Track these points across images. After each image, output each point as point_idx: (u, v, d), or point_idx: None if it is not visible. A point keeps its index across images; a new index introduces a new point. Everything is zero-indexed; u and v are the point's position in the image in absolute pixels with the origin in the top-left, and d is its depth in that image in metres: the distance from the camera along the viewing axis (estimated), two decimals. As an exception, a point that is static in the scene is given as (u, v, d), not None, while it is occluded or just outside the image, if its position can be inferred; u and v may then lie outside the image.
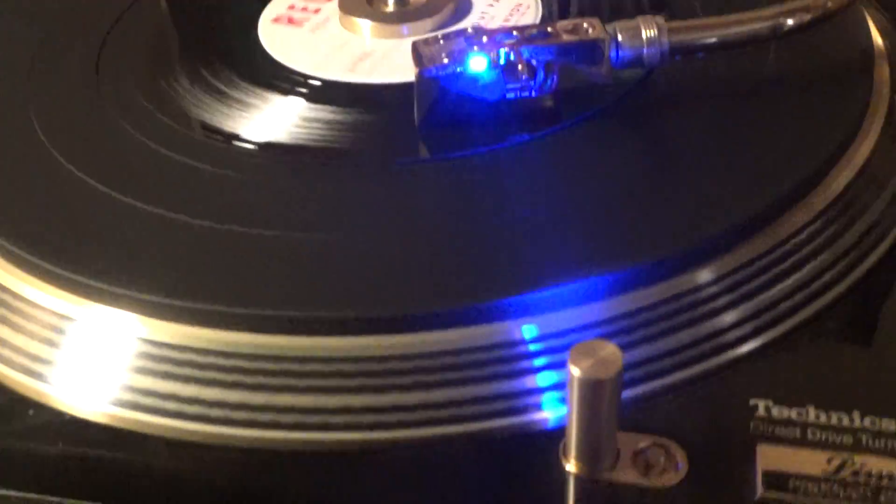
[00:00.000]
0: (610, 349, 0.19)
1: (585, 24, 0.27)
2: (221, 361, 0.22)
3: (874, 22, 0.32)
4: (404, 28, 0.32)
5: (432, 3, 0.32)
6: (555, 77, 0.27)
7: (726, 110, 0.28)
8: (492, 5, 0.33)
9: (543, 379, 0.22)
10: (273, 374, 0.22)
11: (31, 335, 0.24)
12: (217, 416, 0.22)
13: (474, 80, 0.27)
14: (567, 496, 0.20)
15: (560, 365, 0.21)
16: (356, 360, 0.22)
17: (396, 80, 0.30)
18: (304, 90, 0.30)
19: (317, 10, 0.34)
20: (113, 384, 0.23)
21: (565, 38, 0.27)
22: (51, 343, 0.24)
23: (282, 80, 0.31)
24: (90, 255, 0.24)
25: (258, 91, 0.31)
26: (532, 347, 0.22)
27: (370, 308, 0.22)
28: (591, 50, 0.27)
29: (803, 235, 0.25)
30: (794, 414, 0.21)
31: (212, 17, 0.36)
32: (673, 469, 0.20)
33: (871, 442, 0.20)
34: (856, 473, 0.19)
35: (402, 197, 0.26)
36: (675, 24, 0.27)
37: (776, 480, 0.19)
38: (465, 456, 0.21)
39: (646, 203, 0.25)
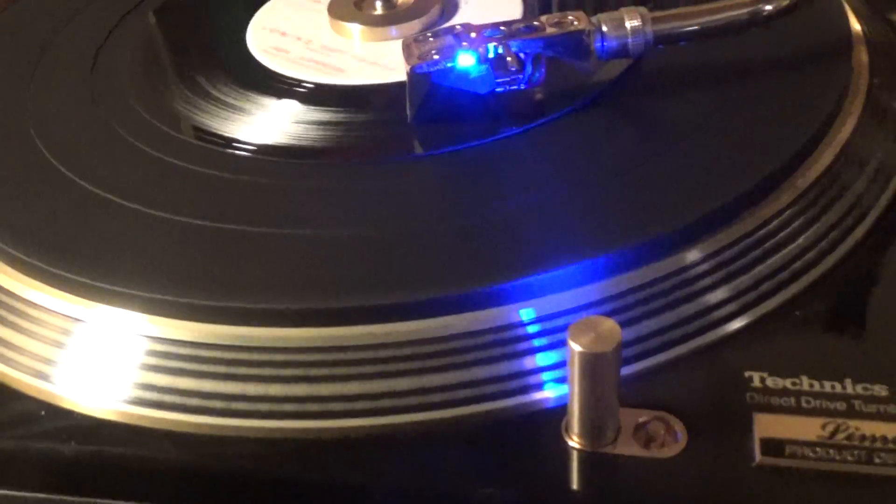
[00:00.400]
0: (608, 324, 0.20)
1: (571, 17, 0.28)
2: (225, 355, 0.23)
3: (851, 7, 0.33)
4: (393, 30, 0.32)
5: (419, 5, 0.33)
6: (543, 69, 0.28)
7: (710, 97, 0.28)
8: (477, 5, 0.34)
9: (544, 359, 0.22)
10: (279, 364, 0.23)
11: (40, 339, 0.25)
12: (224, 409, 0.23)
13: (464, 74, 0.27)
14: (571, 472, 0.21)
15: (559, 345, 0.22)
16: (363, 347, 0.22)
17: (389, 81, 0.31)
18: (297, 93, 0.31)
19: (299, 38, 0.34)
20: (120, 382, 0.23)
21: (551, 30, 0.27)
22: (59, 345, 0.24)
23: (275, 84, 0.32)
24: (94, 258, 0.25)
25: (251, 95, 0.31)
26: (531, 329, 0.23)
27: (376, 296, 0.23)
28: (577, 42, 0.27)
29: (789, 213, 0.25)
30: (788, 383, 0.21)
31: (201, 24, 0.36)
32: (673, 441, 0.21)
33: (863, 407, 0.21)
34: (850, 437, 0.20)
35: (399, 191, 0.26)
36: (658, 13, 0.28)
37: (773, 447, 0.20)
38: (472, 437, 0.22)
39: (636, 188, 0.25)
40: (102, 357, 0.24)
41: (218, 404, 0.23)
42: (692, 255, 0.24)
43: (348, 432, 0.22)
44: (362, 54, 0.32)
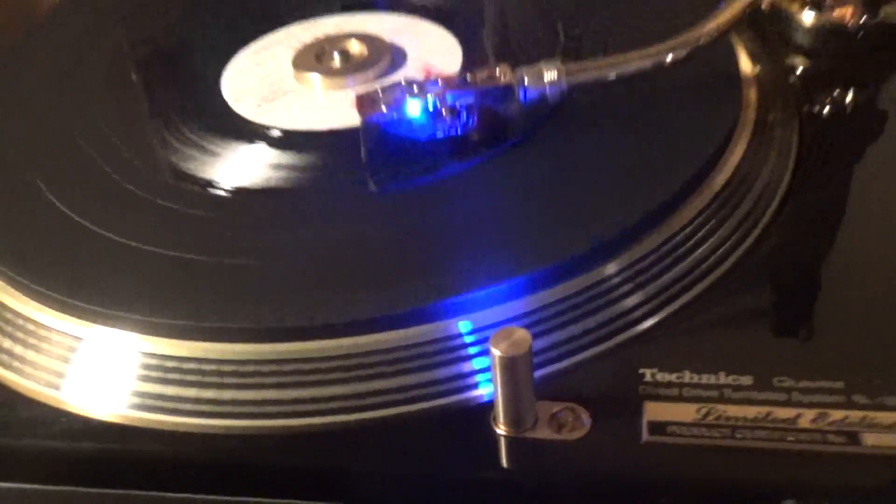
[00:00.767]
0: (521, 333, 0.24)
1: (498, 72, 0.33)
2: (206, 367, 0.28)
3: (747, 50, 0.38)
4: (349, 80, 0.37)
5: (372, 58, 0.38)
6: (475, 117, 0.32)
7: (618, 131, 0.33)
8: (421, 57, 0.39)
9: (478, 363, 0.27)
10: (253, 374, 0.27)
11: (50, 354, 0.29)
12: (205, 411, 0.27)
13: (409, 123, 0.32)
14: (499, 453, 0.25)
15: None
16: (324, 358, 0.27)
17: (345, 125, 0.35)
18: (265, 138, 0.36)
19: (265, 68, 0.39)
20: (116, 390, 0.28)
21: (481, 84, 0.32)
22: (65, 360, 0.29)
23: (244, 130, 0.36)
24: (92, 286, 0.29)
25: (224, 141, 0.36)
26: (467, 339, 0.27)
27: (336, 315, 0.27)
28: (504, 93, 0.32)
29: (690, 229, 0.30)
30: (673, 377, 0.26)
31: (179, 73, 0.41)
32: (580, 426, 0.25)
33: (731, 394, 0.26)
34: (718, 418, 0.25)
35: (353, 224, 0.31)
36: (574, 66, 0.33)
37: (657, 428, 0.25)
38: (420, 429, 0.26)
39: (555, 213, 0.30)
40: (102, 369, 0.28)
41: (202, 408, 0.27)
42: (607, 269, 0.29)
43: (316, 427, 0.27)
44: (322, 102, 0.37)
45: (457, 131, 0.33)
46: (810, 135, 0.35)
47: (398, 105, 0.32)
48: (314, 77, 0.38)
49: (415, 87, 0.32)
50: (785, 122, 0.35)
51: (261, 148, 0.35)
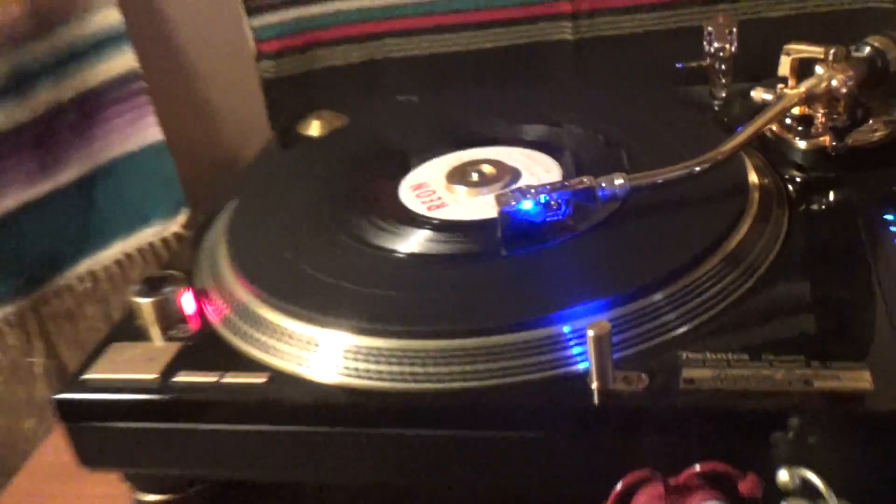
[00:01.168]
0: (604, 323, 0.41)
1: (585, 180, 0.51)
2: (396, 354, 0.45)
3: (753, 165, 0.55)
4: (484, 189, 0.56)
5: (499, 175, 0.56)
6: (570, 208, 0.50)
7: (665, 218, 0.51)
8: (532, 173, 0.57)
9: (577, 350, 0.44)
10: (434, 358, 0.45)
11: (299, 347, 0.47)
12: (400, 378, 0.44)
13: (527, 212, 0.50)
14: (594, 400, 0.42)
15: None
16: (483, 347, 0.44)
17: (480, 218, 0.54)
18: (429, 224, 0.54)
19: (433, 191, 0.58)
20: (340, 367, 0.45)
21: (573, 187, 0.50)
22: (307, 349, 0.47)
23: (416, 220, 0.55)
24: (328, 308, 0.47)
25: (400, 227, 0.54)
26: (569, 335, 0.44)
27: (484, 321, 0.45)
28: (589, 193, 0.50)
29: (709, 275, 0.47)
30: (698, 356, 0.43)
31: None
32: (642, 382, 0.42)
33: (734, 363, 0.42)
34: (725, 377, 0.41)
35: (491, 273, 0.49)
36: (635, 175, 0.51)
37: (688, 381, 0.41)
38: (548, 385, 0.43)
39: (623, 264, 0.48)
40: (330, 355, 0.46)
41: (398, 377, 0.44)
42: (655, 296, 0.45)
43: (482, 387, 0.43)
44: (464, 203, 0.56)
45: (559, 217, 0.50)
46: (796, 222, 0.52)
47: (520, 200, 0.50)
48: (460, 188, 0.56)
49: (532, 189, 0.51)
50: (777, 212, 0.52)
51: (425, 233, 0.54)
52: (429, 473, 0.45)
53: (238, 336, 0.49)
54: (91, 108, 0.77)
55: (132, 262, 0.82)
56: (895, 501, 0.40)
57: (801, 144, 0.57)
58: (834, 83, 0.56)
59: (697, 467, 0.39)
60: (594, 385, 0.42)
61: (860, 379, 0.40)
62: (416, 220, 0.55)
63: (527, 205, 0.51)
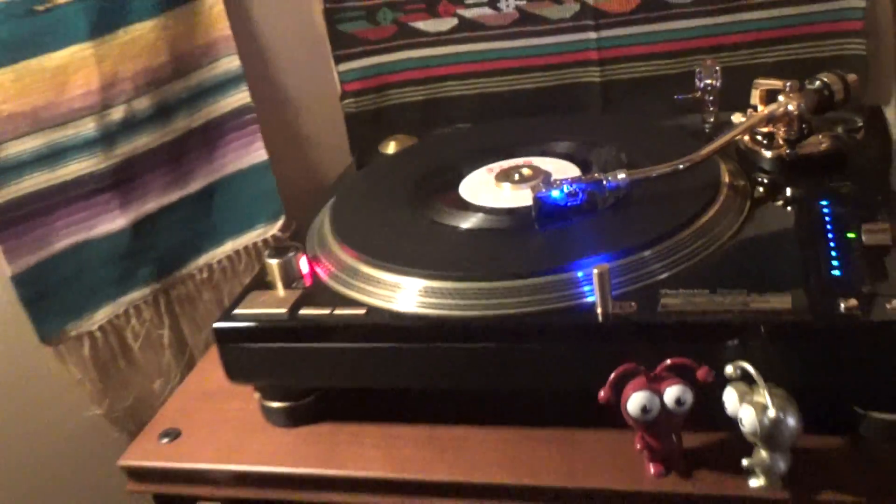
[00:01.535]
0: (604, 266, 0.59)
1: (597, 175, 0.69)
2: (453, 290, 0.63)
3: (727, 166, 0.73)
4: (523, 185, 0.74)
5: (534, 175, 0.75)
6: (585, 196, 0.69)
7: (657, 202, 0.69)
8: (559, 174, 0.75)
9: (588, 288, 0.62)
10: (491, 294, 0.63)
11: (387, 289, 0.65)
12: (461, 306, 0.62)
13: (554, 198, 0.69)
14: (598, 318, 0.59)
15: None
16: (525, 286, 0.62)
17: (524, 204, 0.72)
18: (483, 210, 0.73)
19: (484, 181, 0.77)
20: (413, 302, 0.64)
21: (587, 181, 0.69)
22: (395, 290, 0.65)
23: (471, 207, 0.74)
24: (410, 262, 0.66)
25: (460, 211, 0.73)
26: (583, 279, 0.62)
27: (525, 268, 0.63)
28: (599, 184, 0.69)
29: (687, 240, 0.64)
30: (674, 292, 0.60)
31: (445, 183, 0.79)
32: (632, 309, 0.60)
33: (696, 295, 0.59)
34: (692, 303, 0.59)
35: (529, 242, 0.67)
36: (633, 171, 0.69)
37: (665, 306, 0.59)
38: (571, 308, 0.61)
39: (625, 233, 0.65)
40: (413, 293, 0.64)
41: (459, 306, 0.63)
42: (646, 253, 0.63)
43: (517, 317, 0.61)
44: (509, 195, 0.74)
45: (577, 202, 0.69)
46: (756, 208, 0.69)
47: (549, 189, 0.69)
48: (505, 185, 0.75)
49: (557, 182, 0.69)
50: (741, 201, 0.70)
51: (479, 215, 0.72)
52: (480, 378, 0.63)
53: (342, 285, 0.68)
54: (214, 134, 0.97)
55: (240, 258, 1.01)
56: (806, 385, 0.56)
57: (767, 154, 0.75)
58: (790, 108, 0.74)
59: (668, 362, 0.57)
60: (599, 310, 0.60)
61: (783, 302, 0.57)
62: (471, 207, 0.74)
63: (554, 193, 0.69)
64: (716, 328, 0.58)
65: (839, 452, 0.58)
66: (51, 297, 0.89)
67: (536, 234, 0.69)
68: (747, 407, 0.54)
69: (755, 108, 0.77)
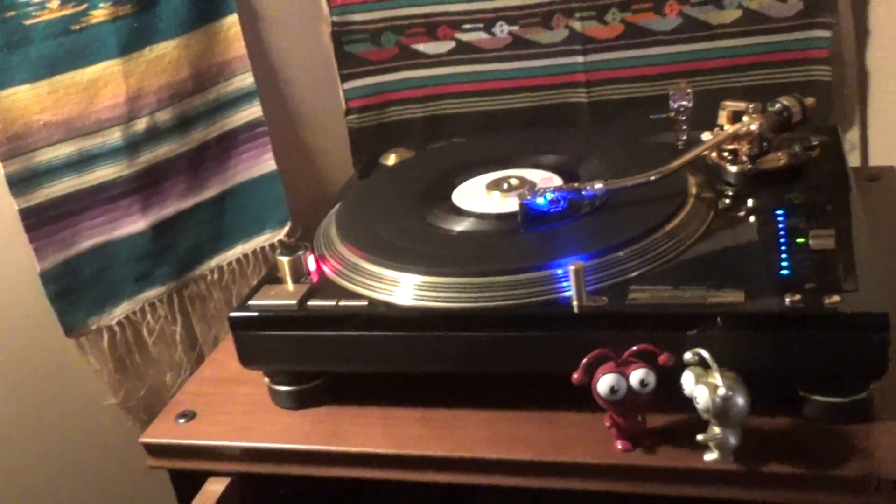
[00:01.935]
0: (580, 263, 0.67)
1: (577, 184, 0.77)
2: (446, 285, 0.71)
3: (695, 179, 0.81)
4: (511, 194, 0.82)
5: (521, 184, 0.83)
6: (566, 203, 0.76)
7: (630, 209, 0.76)
8: (542, 180, 0.83)
9: (566, 284, 0.69)
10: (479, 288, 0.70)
11: (385, 283, 0.73)
12: (451, 299, 0.70)
13: (538, 205, 0.76)
14: (574, 308, 0.67)
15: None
16: (507, 282, 0.70)
17: (511, 210, 0.80)
18: (473, 215, 0.80)
19: (476, 189, 0.85)
20: (410, 295, 0.71)
21: (568, 189, 0.76)
22: (394, 284, 0.72)
23: (462, 213, 0.81)
24: (407, 261, 0.73)
25: (454, 217, 0.81)
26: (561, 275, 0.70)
27: (510, 265, 0.70)
28: (579, 193, 0.76)
29: (658, 241, 0.72)
30: (642, 286, 0.68)
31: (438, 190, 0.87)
32: (603, 302, 0.67)
33: (662, 291, 0.67)
34: (658, 297, 0.66)
35: (519, 241, 0.75)
36: (609, 181, 0.77)
37: (633, 300, 0.66)
38: (550, 303, 0.68)
39: (602, 234, 0.73)
40: (406, 288, 0.72)
41: (451, 298, 0.70)
42: (620, 253, 0.71)
43: (506, 307, 0.69)
44: (498, 203, 0.82)
45: (558, 208, 0.76)
46: (719, 216, 0.77)
47: (534, 196, 0.77)
48: (495, 193, 0.83)
49: (542, 190, 0.77)
50: (706, 210, 0.77)
51: (471, 220, 0.80)
52: (469, 363, 0.70)
53: (346, 280, 0.76)
54: (228, 145, 1.05)
55: (248, 261, 1.08)
56: (756, 370, 0.64)
57: (732, 168, 0.83)
58: (753, 127, 0.81)
59: (634, 348, 0.64)
60: (574, 302, 0.67)
61: (737, 297, 0.65)
62: (464, 212, 0.82)
63: (539, 200, 0.77)
64: (677, 319, 0.65)
65: (784, 430, 0.65)
66: (75, 292, 0.96)
67: (522, 236, 0.77)
68: (701, 387, 0.62)
69: (721, 127, 0.84)
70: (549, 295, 0.69)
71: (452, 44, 1.13)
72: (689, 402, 0.63)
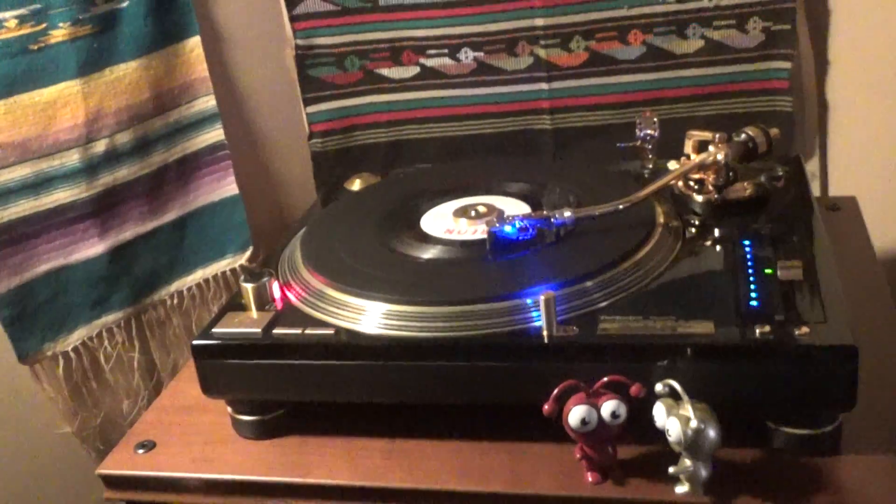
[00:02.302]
0: (550, 293, 0.66)
1: (545, 213, 0.77)
2: (414, 314, 0.70)
3: (662, 208, 0.81)
4: (478, 221, 0.81)
5: (489, 212, 0.82)
6: (534, 231, 0.76)
7: (599, 238, 0.76)
8: (511, 208, 0.83)
9: (536, 314, 0.69)
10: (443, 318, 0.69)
11: (350, 311, 0.72)
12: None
13: (507, 233, 0.76)
14: (544, 339, 0.66)
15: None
16: (474, 312, 0.69)
17: (479, 237, 0.79)
18: (441, 242, 0.80)
19: (443, 216, 0.84)
20: (377, 324, 0.70)
21: (537, 217, 0.76)
22: (360, 313, 0.71)
23: (430, 239, 0.81)
24: (372, 288, 0.72)
25: (422, 244, 0.80)
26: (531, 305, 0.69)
27: (478, 294, 0.70)
28: (548, 221, 0.76)
29: (627, 271, 0.72)
30: (612, 317, 0.68)
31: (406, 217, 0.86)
32: (573, 332, 0.67)
33: (633, 320, 0.67)
34: (627, 326, 0.66)
35: (483, 271, 0.74)
36: (577, 210, 0.77)
37: (604, 329, 0.66)
38: (517, 332, 0.68)
39: (569, 264, 0.73)
40: (401, 318, 0.71)
41: (420, 327, 0.69)
42: (588, 284, 0.71)
43: (474, 337, 0.68)
44: (466, 231, 0.81)
45: (527, 237, 0.76)
46: (686, 245, 0.77)
47: (502, 224, 0.76)
48: (462, 220, 0.82)
49: (510, 217, 0.76)
50: (673, 239, 0.78)
51: (439, 247, 0.79)
52: (436, 393, 0.69)
53: (311, 308, 0.74)
54: (189, 168, 1.03)
55: (209, 286, 1.07)
56: (725, 401, 0.64)
57: (698, 198, 0.83)
58: (719, 157, 0.82)
59: (605, 379, 0.64)
60: (545, 332, 0.67)
61: (707, 328, 0.65)
62: (431, 239, 0.81)
63: (507, 228, 0.76)
64: (648, 350, 0.65)
65: (754, 462, 0.65)
66: (29, 318, 0.94)
67: (490, 264, 0.76)
68: (673, 419, 0.61)
69: (688, 157, 0.85)
70: (518, 325, 0.68)
71: (417, 69, 1.13)
72: (658, 433, 0.63)
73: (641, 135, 0.91)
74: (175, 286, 1.05)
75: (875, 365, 0.67)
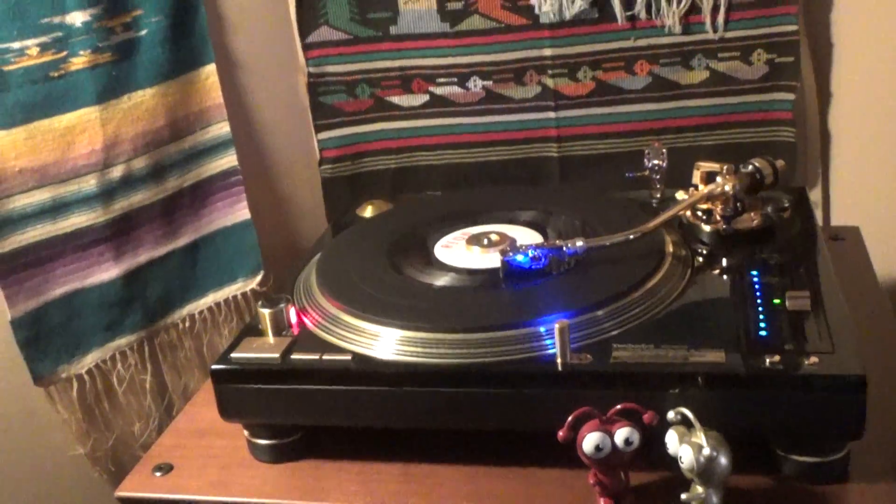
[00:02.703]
0: (565, 321, 0.68)
1: (557, 241, 0.78)
2: (430, 340, 0.71)
3: (672, 238, 0.83)
4: (491, 249, 0.83)
5: (501, 241, 0.84)
6: (547, 260, 0.78)
7: (612, 266, 0.78)
8: (524, 238, 0.84)
9: (549, 341, 0.70)
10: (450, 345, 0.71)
11: (365, 337, 0.73)
12: (433, 354, 0.70)
13: (520, 262, 0.77)
14: (559, 365, 0.68)
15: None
16: (485, 339, 0.70)
17: (492, 265, 0.81)
18: (455, 270, 0.81)
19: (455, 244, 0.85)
20: (392, 350, 0.71)
21: (549, 246, 0.78)
22: (375, 339, 0.73)
23: (445, 267, 0.82)
24: (386, 315, 0.74)
25: (435, 272, 0.81)
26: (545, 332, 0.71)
27: (492, 322, 0.71)
28: (560, 250, 0.78)
29: (638, 300, 0.73)
30: (625, 345, 0.69)
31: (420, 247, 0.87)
32: (588, 359, 0.68)
33: (644, 350, 0.68)
34: (639, 354, 0.68)
35: (501, 297, 0.76)
36: (589, 239, 0.78)
37: (618, 357, 0.68)
38: (528, 363, 0.69)
39: (582, 291, 0.74)
40: (387, 343, 0.72)
41: (429, 353, 0.71)
42: (599, 313, 0.72)
43: (486, 363, 0.70)
44: (478, 259, 0.83)
45: (541, 265, 0.78)
46: (696, 274, 0.79)
47: (515, 253, 0.78)
48: (475, 248, 0.84)
49: (522, 247, 0.78)
50: (683, 268, 0.79)
51: (452, 274, 0.81)
52: (451, 419, 0.71)
53: (326, 333, 0.76)
54: (202, 193, 1.05)
55: (220, 309, 1.08)
56: (736, 429, 0.65)
57: (706, 228, 0.85)
58: (727, 188, 0.84)
59: (619, 406, 0.65)
60: (559, 360, 0.68)
61: (717, 357, 0.66)
62: (445, 267, 0.82)
63: (520, 257, 0.78)
64: (660, 378, 0.66)
65: (764, 489, 0.67)
66: (45, 340, 0.95)
67: (503, 292, 0.77)
68: (686, 447, 0.63)
69: (696, 187, 0.87)
70: (532, 352, 0.70)
71: (426, 97, 1.14)
72: (670, 459, 0.64)
73: (650, 165, 0.93)
74: (187, 310, 1.06)
75: (882, 394, 0.69)
